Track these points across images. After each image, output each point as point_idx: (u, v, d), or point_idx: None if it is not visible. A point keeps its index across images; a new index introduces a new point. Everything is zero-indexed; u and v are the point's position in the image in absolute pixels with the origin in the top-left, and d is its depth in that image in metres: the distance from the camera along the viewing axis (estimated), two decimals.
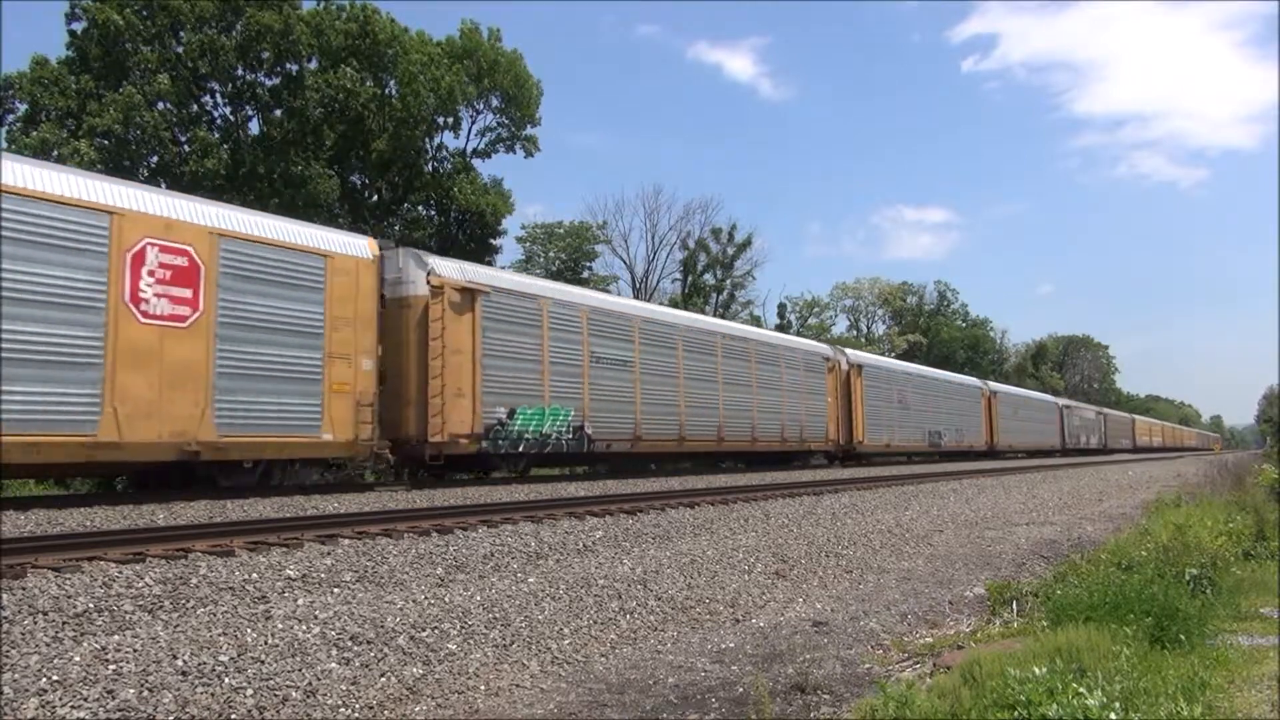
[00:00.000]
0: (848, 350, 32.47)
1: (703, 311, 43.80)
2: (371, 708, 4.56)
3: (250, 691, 4.44)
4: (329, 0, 31.31)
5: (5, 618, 5.08)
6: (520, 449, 16.70)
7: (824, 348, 30.25)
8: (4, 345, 9.86)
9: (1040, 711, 3.82)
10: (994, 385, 46.78)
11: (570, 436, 17.81)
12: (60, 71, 27.14)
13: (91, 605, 5.46)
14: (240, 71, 29.69)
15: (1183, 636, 5.59)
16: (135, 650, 4.72)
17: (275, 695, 4.45)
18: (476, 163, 36.45)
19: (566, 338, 18.14)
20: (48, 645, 4.80)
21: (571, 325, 18.35)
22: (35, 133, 25.24)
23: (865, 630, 6.61)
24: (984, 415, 42.82)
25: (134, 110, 25.92)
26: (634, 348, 20.09)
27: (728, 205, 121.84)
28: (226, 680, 4.50)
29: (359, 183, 34.07)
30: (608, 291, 38.50)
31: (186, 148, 28.34)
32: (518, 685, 5.14)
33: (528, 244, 47.98)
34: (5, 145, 25.55)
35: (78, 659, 4.55)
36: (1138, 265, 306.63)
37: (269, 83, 30.44)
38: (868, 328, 74.14)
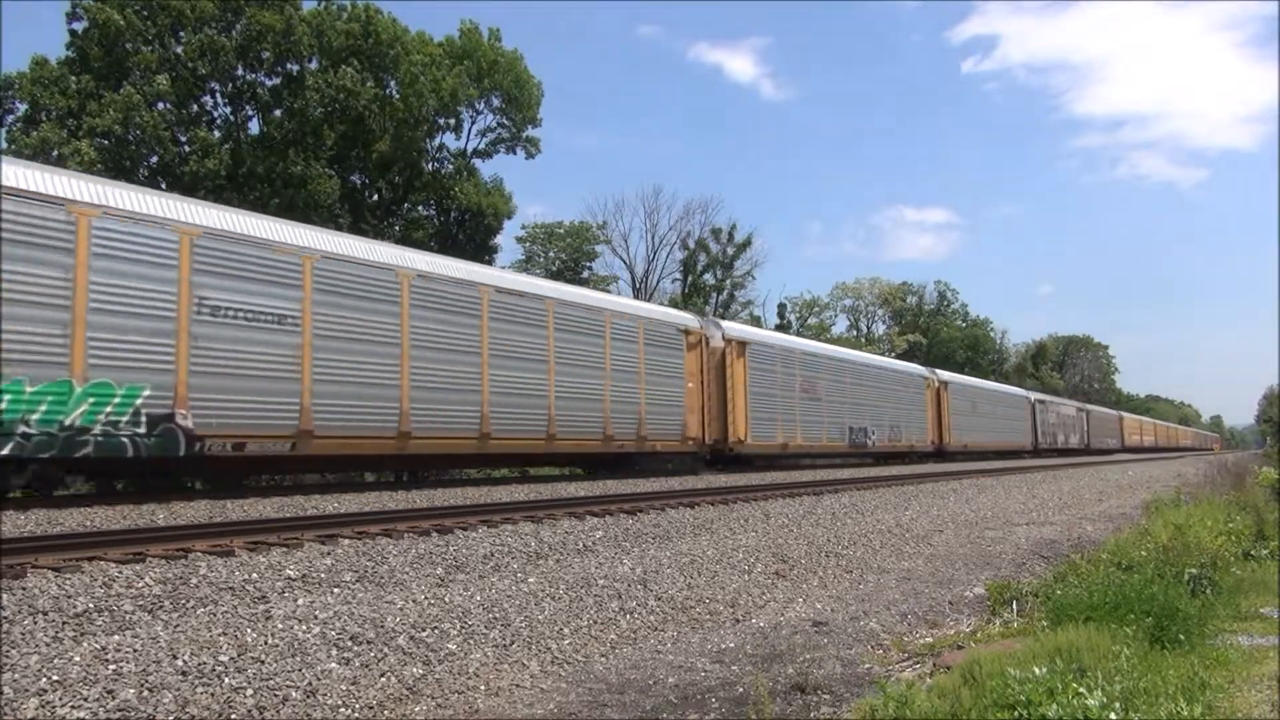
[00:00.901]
0: (725, 323, 24.94)
1: (702, 311, 43.72)
2: (371, 708, 4.56)
3: (250, 691, 4.44)
4: (330, 0, 31.33)
5: (5, 618, 5.08)
6: None
7: (684, 317, 22.79)
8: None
9: (1040, 711, 3.82)
10: (945, 374, 40.34)
11: (139, 431, 11.13)
12: (60, 71, 27.15)
13: (91, 605, 5.46)
14: (240, 71, 29.70)
15: (1183, 636, 5.59)
16: (135, 650, 4.72)
17: (275, 695, 4.45)
18: (477, 163, 36.52)
19: (145, 273, 11.40)
20: (48, 645, 4.80)
21: (156, 256, 11.54)
22: (35, 133, 25.25)
23: (865, 630, 6.61)
24: (930, 410, 36.34)
25: (134, 110, 25.94)
26: (303, 296, 13.05)
27: (728, 205, 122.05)
28: (226, 680, 4.50)
29: (359, 183, 34.08)
30: (607, 291, 38.43)
31: (186, 148, 28.35)
32: (518, 685, 5.14)
33: (528, 244, 48.03)
34: (5, 145, 25.58)
35: (78, 659, 4.54)
36: (1138, 265, 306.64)
37: (269, 83, 30.45)
38: (868, 328, 74.17)
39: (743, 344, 23.93)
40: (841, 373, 29.61)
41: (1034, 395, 53.06)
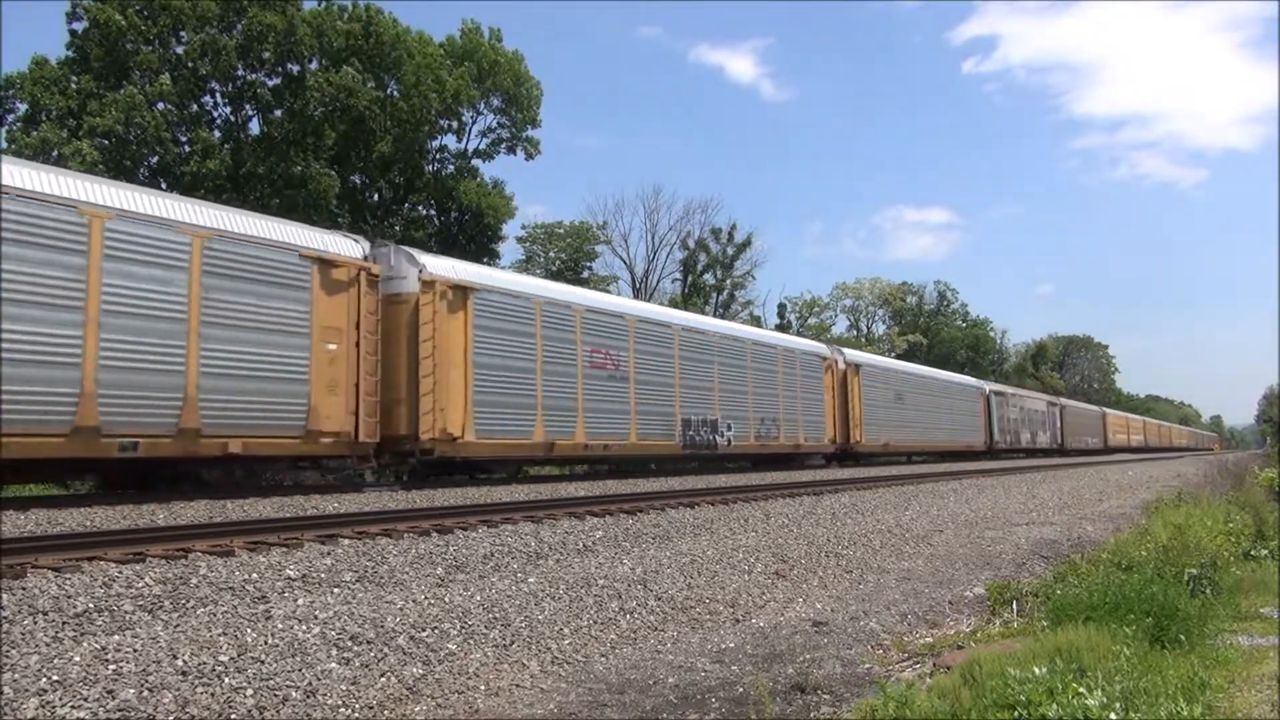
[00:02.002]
0: (441, 265, 15.93)
1: (702, 312, 43.65)
2: (371, 708, 4.56)
3: (250, 691, 4.44)
4: (331, 0, 31.34)
5: (5, 618, 5.08)
6: None
7: (348, 249, 14.37)
8: None
9: (1040, 711, 3.82)
10: (856, 355, 32.82)
11: None
12: (61, 71, 27.17)
13: (91, 605, 5.46)
14: (241, 71, 29.71)
15: (1183, 636, 5.59)
16: (135, 650, 4.72)
17: (275, 695, 4.45)
18: (478, 163, 36.54)
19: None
20: (48, 645, 4.80)
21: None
22: (36, 133, 25.27)
23: (865, 630, 6.61)
24: (831, 399, 28.48)
25: (135, 110, 25.95)
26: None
27: (729, 206, 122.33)
28: (226, 680, 4.50)
29: (359, 183, 34.10)
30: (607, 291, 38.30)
31: (187, 148, 28.37)
32: (518, 685, 5.14)
33: (528, 244, 48.06)
34: (5, 145, 25.59)
35: (78, 659, 4.54)
36: (1138, 265, 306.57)
37: (270, 83, 30.46)
38: (868, 328, 74.21)
39: (463, 289, 15.71)
40: (663, 342, 20.68)
41: (990, 386, 45.97)
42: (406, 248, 16.12)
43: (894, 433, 32.58)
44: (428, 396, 14.68)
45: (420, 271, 15.19)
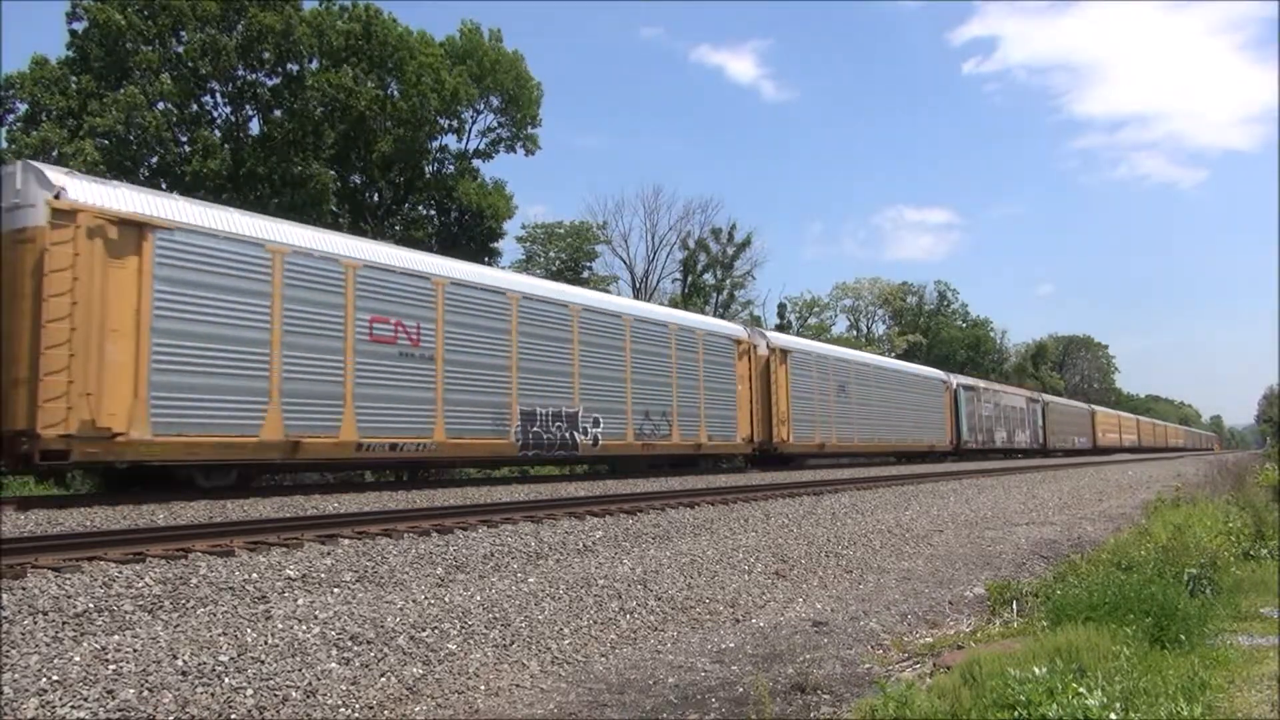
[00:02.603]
0: (99, 192, 11.40)
1: (702, 312, 43.60)
2: (371, 708, 4.56)
3: (250, 691, 4.44)
4: (331, 0, 31.34)
5: (5, 618, 5.08)
6: None
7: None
8: None
9: (1040, 711, 3.82)
10: (782, 340, 27.38)
11: None
12: (61, 71, 27.17)
13: (91, 605, 5.46)
14: (241, 71, 29.72)
15: (1183, 636, 5.59)
16: (135, 650, 4.72)
17: (275, 695, 4.46)
18: (478, 163, 36.54)
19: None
20: (48, 645, 4.80)
21: None
22: (36, 133, 25.26)
23: (865, 630, 6.61)
24: (749, 390, 23.74)
25: (135, 110, 25.95)
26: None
27: (730, 206, 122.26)
28: (226, 680, 4.50)
29: (359, 182, 34.11)
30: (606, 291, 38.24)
31: (187, 148, 28.37)
32: (518, 685, 5.14)
33: (528, 244, 48.05)
34: (6, 145, 25.59)
35: (78, 659, 4.54)
36: (1138, 265, 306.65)
37: (270, 83, 30.46)
38: (868, 328, 74.20)
39: (141, 229, 11.45)
40: (495, 315, 16.39)
41: (957, 379, 40.50)
42: (41, 165, 11.33)
43: (835, 431, 28.05)
44: (58, 375, 10.41)
45: (56, 197, 10.69)
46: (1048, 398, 56.46)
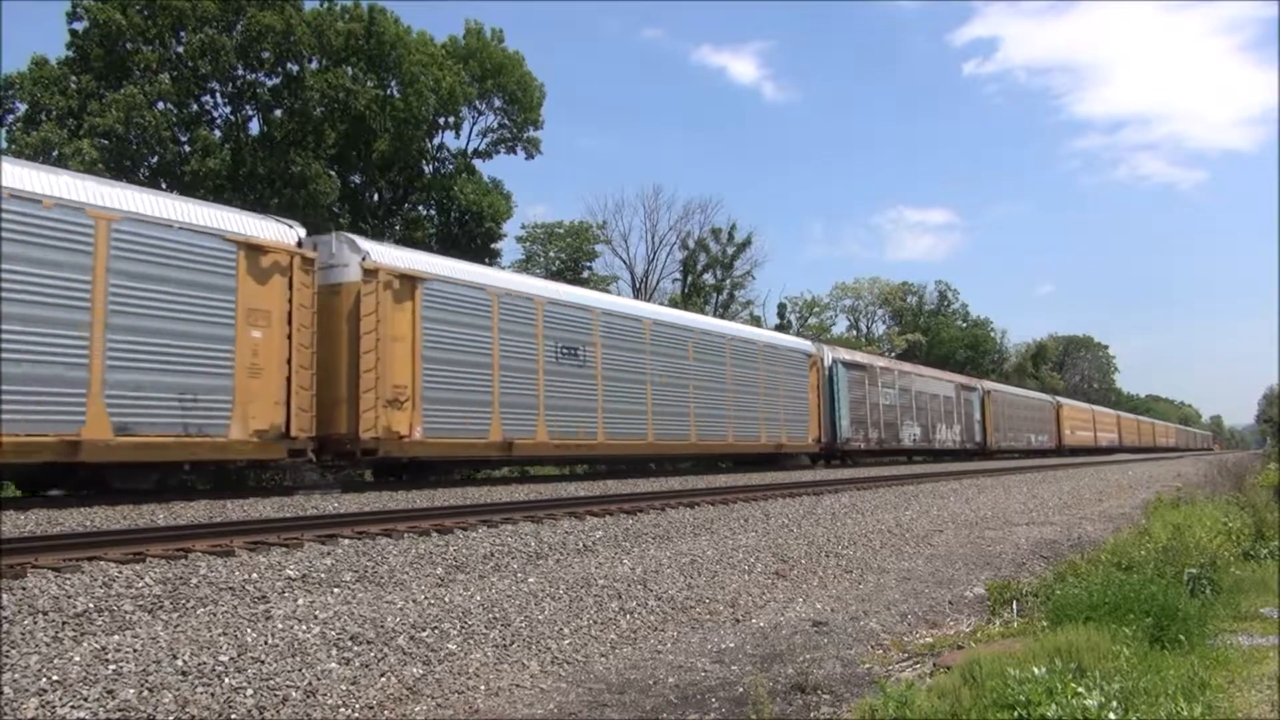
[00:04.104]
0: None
1: (702, 312, 43.57)
2: (371, 708, 4.57)
3: (250, 691, 4.44)
4: (332, 1, 31.34)
5: (5, 618, 5.08)
6: None
7: None
8: None
9: (1039, 711, 3.82)
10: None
11: None
12: (61, 71, 27.17)
13: (91, 605, 5.47)
14: (241, 71, 29.72)
15: (1182, 636, 5.59)
16: (135, 650, 4.72)
17: (275, 695, 4.46)
18: (478, 164, 36.54)
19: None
20: (48, 645, 4.80)
21: None
22: (36, 133, 25.26)
23: (865, 630, 6.61)
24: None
25: (135, 110, 25.95)
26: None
27: (730, 206, 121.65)
28: (226, 680, 4.50)
29: (359, 182, 34.11)
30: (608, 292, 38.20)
31: (187, 148, 28.37)
32: (518, 685, 5.14)
33: (528, 244, 48.05)
34: (6, 145, 25.60)
35: (78, 659, 4.55)
36: (1138, 266, 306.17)
37: (270, 82, 30.47)
38: (868, 328, 74.22)
39: None
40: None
41: (835, 353, 30.12)
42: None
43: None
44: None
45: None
46: (990, 385, 46.28)
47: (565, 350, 18.07)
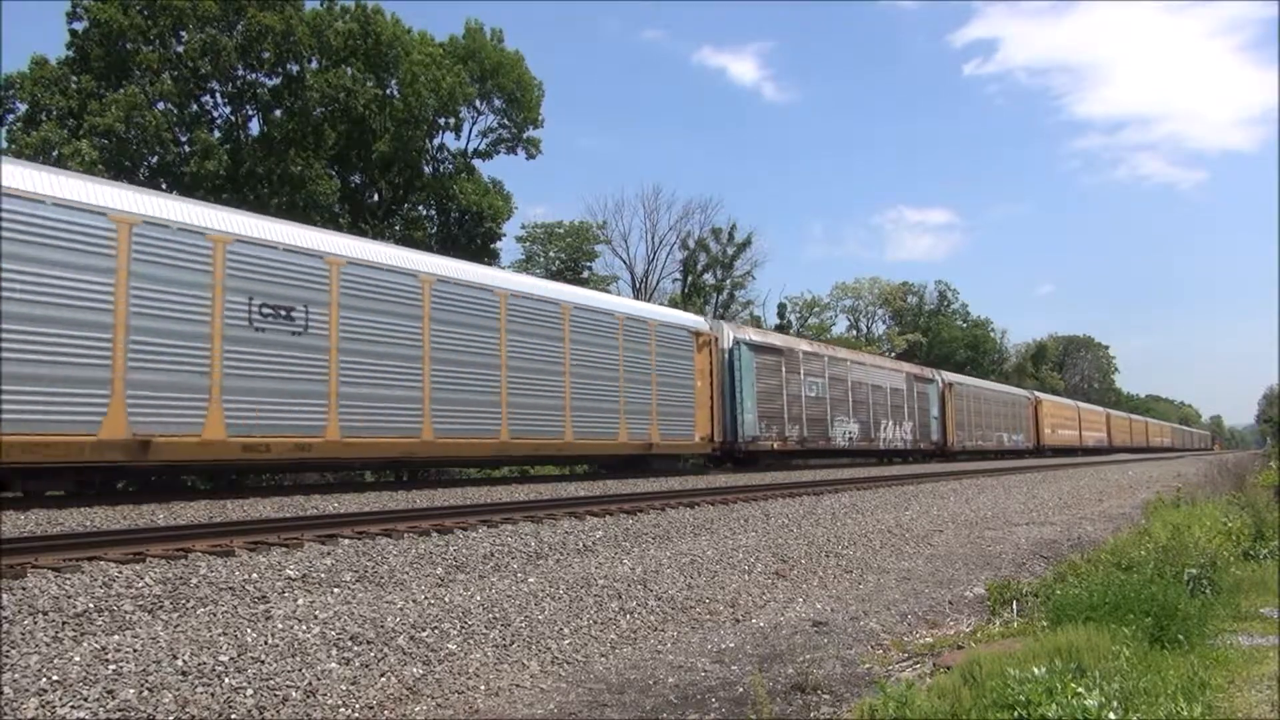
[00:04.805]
0: None
1: (702, 312, 43.49)
2: (371, 708, 4.57)
3: (250, 691, 4.44)
4: (332, 0, 31.33)
5: (5, 618, 5.08)
6: None
7: None
8: None
9: (1039, 711, 3.82)
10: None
11: None
12: (61, 71, 27.16)
13: (91, 605, 5.47)
14: (241, 71, 29.72)
15: (1182, 636, 5.59)
16: (135, 650, 4.72)
17: (275, 695, 4.46)
18: (478, 164, 36.53)
19: None
20: (48, 645, 4.80)
21: None
22: (36, 132, 25.26)
23: (865, 630, 6.61)
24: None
25: (135, 110, 25.95)
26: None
27: (730, 206, 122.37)
28: (226, 680, 4.51)
29: (359, 182, 34.10)
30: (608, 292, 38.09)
31: (187, 148, 28.37)
32: (518, 685, 5.14)
33: (528, 244, 48.06)
34: (6, 145, 25.59)
35: (78, 659, 4.55)
36: (1138, 266, 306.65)
37: (270, 82, 30.46)
38: (868, 328, 74.20)
39: None
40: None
41: (739, 333, 24.58)
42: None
43: (250, 410, 12.92)
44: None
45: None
46: (953, 376, 41.16)
47: (268, 312, 12.97)
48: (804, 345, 28.78)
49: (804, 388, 26.67)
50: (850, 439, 29.24)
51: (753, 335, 25.59)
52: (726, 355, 23.62)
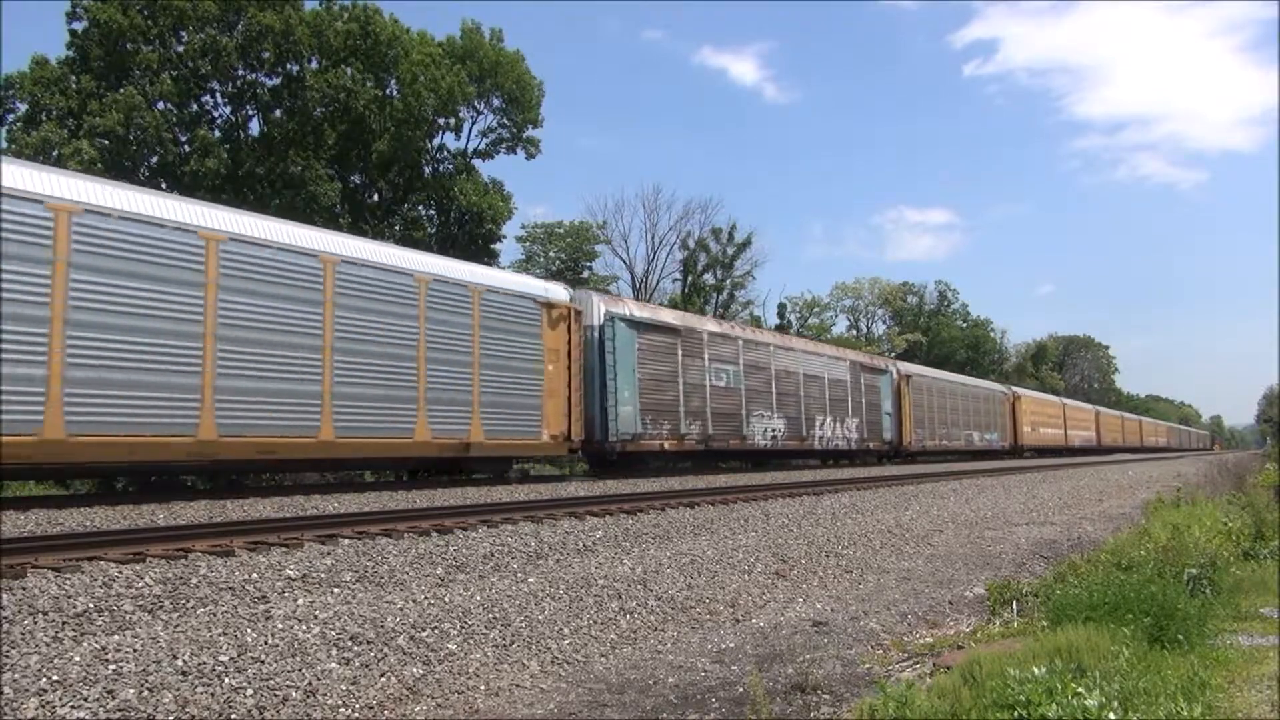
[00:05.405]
0: None
1: (702, 312, 43.45)
2: (371, 708, 4.57)
3: (250, 691, 4.44)
4: (332, 0, 31.33)
5: (5, 618, 5.08)
6: None
7: None
8: None
9: (1039, 711, 3.82)
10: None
11: None
12: (61, 71, 27.17)
13: (91, 605, 5.46)
14: (241, 71, 29.72)
15: (1182, 636, 5.59)
16: (135, 650, 4.72)
17: (275, 695, 4.46)
18: (478, 164, 36.53)
19: None
20: (48, 645, 4.80)
21: None
22: (36, 132, 25.26)
23: (865, 630, 6.61)
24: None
25: (135, 110, 25.95)
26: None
27: (730, 207, 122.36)
28: (226, 680, 4.50)
29: (359, 182, 34.10)
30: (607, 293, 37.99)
31: (187, 148, 28.37)
32: (518, 685, 5.14)
33: (528, 244, 48.04)
34: (6, 145, 25.59)
35: (78, 659, 4.55)
36: (1138, 266, 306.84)
37: (270, 83, 30.46)
38: (868, 328, 74.20)
39: None
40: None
41: (614, 307, 20.10)
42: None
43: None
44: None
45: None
46: (911, 368, 36.56)
47: None
48: (709, 325, 23.89)
49: (709, 375, 22.26)
50: (774, 437, 24.77)
51: (634, 310, 20.91)
52: (596, 333, 19.10)
